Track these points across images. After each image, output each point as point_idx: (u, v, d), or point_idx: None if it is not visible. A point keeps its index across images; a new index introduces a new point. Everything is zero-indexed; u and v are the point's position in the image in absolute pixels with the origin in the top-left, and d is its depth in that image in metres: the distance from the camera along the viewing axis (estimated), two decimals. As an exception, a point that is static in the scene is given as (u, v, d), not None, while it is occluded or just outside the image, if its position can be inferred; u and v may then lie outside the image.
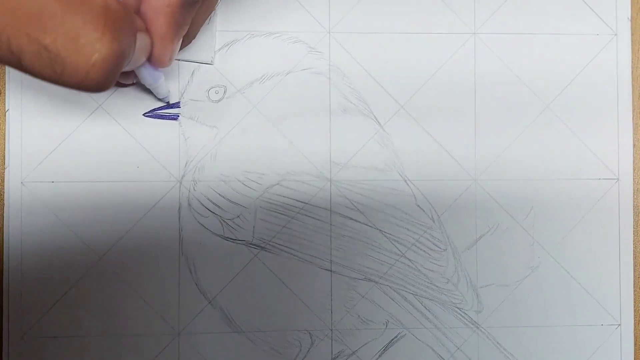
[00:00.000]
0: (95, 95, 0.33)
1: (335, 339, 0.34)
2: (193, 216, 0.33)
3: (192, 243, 0.33)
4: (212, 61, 0.33)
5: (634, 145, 0.36)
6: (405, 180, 0.34)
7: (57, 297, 0.32)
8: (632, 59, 0.35)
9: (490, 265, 0.34)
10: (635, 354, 0.35)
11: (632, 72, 0.35)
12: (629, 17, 0.35)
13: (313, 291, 0.34)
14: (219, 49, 0.34)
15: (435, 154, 0.34)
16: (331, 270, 0.34)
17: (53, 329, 0.32)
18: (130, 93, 0.33)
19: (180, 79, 0.33)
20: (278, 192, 0.33)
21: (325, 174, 0.34)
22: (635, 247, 0.35)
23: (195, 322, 0.33)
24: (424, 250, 0.34)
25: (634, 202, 0.35)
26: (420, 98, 0.34)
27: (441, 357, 0.34)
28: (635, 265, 0.35)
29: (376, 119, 0.34)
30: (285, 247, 0.33)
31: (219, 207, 0.33)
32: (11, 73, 0.33)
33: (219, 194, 0.33)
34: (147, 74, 0.29)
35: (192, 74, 0.33)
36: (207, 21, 0.32)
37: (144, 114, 0.33)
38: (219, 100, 0.33)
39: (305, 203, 0.33)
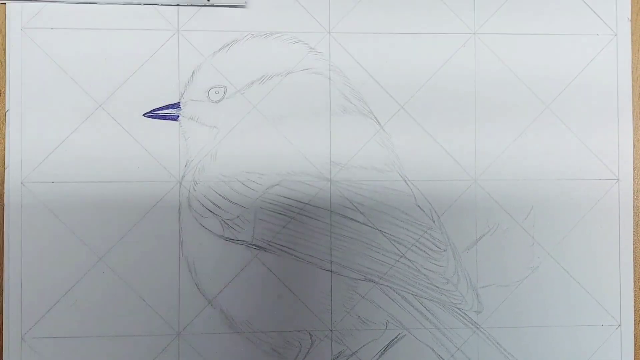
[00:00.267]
0: (95, 96, 0.33)
1: (335, 339, 0.34)
2: (193, 216, 0.33)
3: (192, 243, 0.33)
4: (245, 3, 0.33)
5: (634, 145, 0.36)
6: (405, 181, 0.34)
7: (57, 297, 0.32)
8: (632, 59, 0.35)
9: (490, 266, 0.34)
10: (635, 354, 0.35)
11: (632, 72, 0.35)
12: (629, 18, 0.35)
13: (313, 292, 0.34)
14: (219, 50, 0.34)
15: (435, 154, 0.34)
16: (331, 271, 0.34)
17: (53, 329, 0.32)
18: (131, 93, 0.33)
19: (180, 79, 0.33)
20: (278, 193, 0.33)
21: (325, 174, 0.34)
22: (635, 247, 0.35)
23: (195, 323, 0.33)
24: (424, 251, 0.34)
25: (634, 202, 0.35)
26: (420, 98, 0.34)
27: (441, 357, 0.34)
28: (635, 265, 0.35)
29: (376, 119, 0.34)
30: (285, 247, 0.33)
31: (219, 207, 0.33)
32: (11, 73, 0.33)
33: (219, 195, 0.33)
34: None
35: (192, 74, 0.33)
36: None
37: (144, 114, 0.33)
38: (219, 101, 0.33)
39: (305, 203, 0.33)
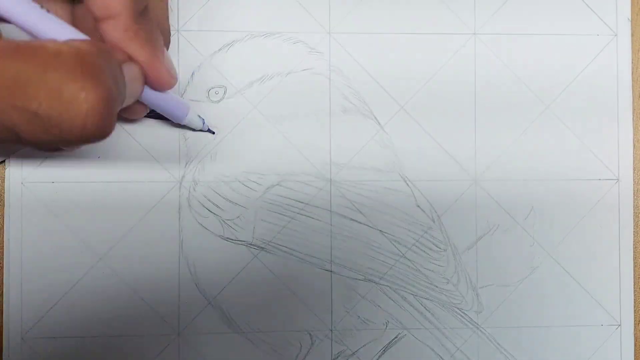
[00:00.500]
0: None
1: (335, 339, 0.34)
2: (193, 216, 0.33)
3: (192, 243, 0.33)
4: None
5: (634, 146, 0.36)
6: (405, 181, 0.34)
7: (57, 298, 0.32)
8: (632, 59, 0.35)
9: (490, 266, 0.35)
10: (635, 354, 0.35)
11: (632, 72, 0.35)
12: (629, 18, 0.35)
13: (313, 292, 0.34)
14: (219, 50, 0.34)
15: (435, 154, 0.34)
16: (331, 271, 0.34)
17: (53, 329, 0.32)
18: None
19: (180, 79, 0.33)
20: (278, 193, 0.33)
21: (325, 175, 0.34)
22: (635, 247, 0.35)
23: (195, 322, 0.33)
24: (424, 251, 0.34)
25: (634, 202, 0.35)
26: (421, 98, 0.34)
27: (441, 357, 0.34)
28: (635, 266, 0.35)
29: (376, 120, 0.34)
30: (286, 247, 0.33)
31: (219, 207, 0.33)
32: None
33: (219, 195, 0.33)
34: (156, 99, 0.28)
35: (192, 74, 0.33)
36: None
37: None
38: (219, 101, 0.33)
39: (305, 203, 0.33)
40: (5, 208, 0.32)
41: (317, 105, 0.34)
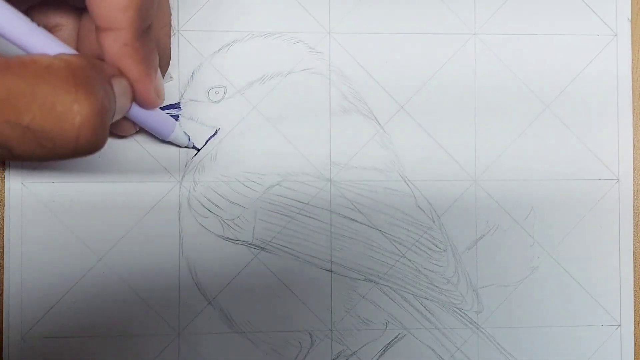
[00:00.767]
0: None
1: (335, 339, 0.34)
2: (193, 217, 0.33)
3: (192, 243, 0.33)
4: (171, 77, 0.33)
5: (634, 146, 0.36)
6: (406, 181, 0.34)
7: (57, 298, 0.32)
8: (632, 59, 0.35)
9: (490, 266, 0.35)
10: (635, 354, 0.35)
11: (632, 72, 0.35)
12: (629, 18, 0.35)
13: (313, 292, 0.34)
14: (219, 50, 0.34)
15: (435, 154, 0.34)
16: (331, 271, 0.34)
17: (53, 329, 0.32)
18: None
19: (180, 79, 0.33)
20: (278, 193, 0.33)
21: (325, 175, 0.34)
22: (635, 247, 0.35)
23: (195, 323, 0.33)
24: (424, 251, 0.34)
25: (634, 202, 0.35)
26: (421, 98, 0.34)
27: (441, 357, 0.34)
28: (635, 266, 0.35)
29: (376, 120, 0.34)
30: (286, 247, 0.33)
31: (219, 207, 0.33)
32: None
33: (219, 195, 0.33)
34: (142, 116, 0.28)
35: (192, 74, 0.33)
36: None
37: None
38: (219, 101, 0.33)
39: (305, 203, 0.33)
40: (5, 208, 0.32)
41: (317, 105, 0.34)
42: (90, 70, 0.22)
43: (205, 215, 0.33)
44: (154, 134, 0.31)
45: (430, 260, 0.34)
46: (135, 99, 0.26)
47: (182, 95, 0.33)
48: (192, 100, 0.33)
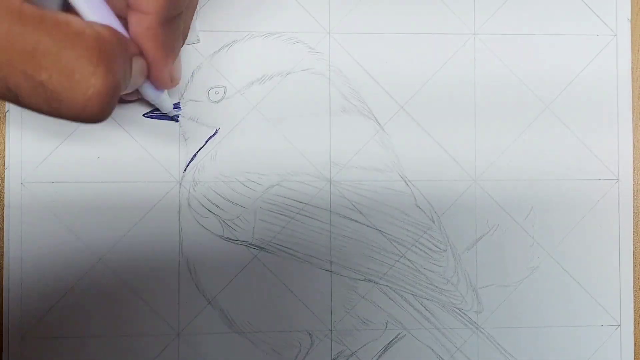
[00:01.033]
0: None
1: (335, 339, 0.34)
2: (193, 217, 0.33)
3: (192, 243, 0.33)
4: (198, 39, 0.33)
5: (634, 146, 0.36)
6: (405, 181, 0.34)
7: (57, 298, 0.32)
8: (632, 59, 0.35)
9: (490, 266, 0.34)
10: (635, 354, 0.35)
11: (632, 72, 0.35)
12: (629, 18, 0.35)
13: (313, 292, 0.34)
14: (219, 50, 0.34)
15: (435, 154, 0.34)
16: (331, 271, 0.34)
17: (53, 329, 0.32)
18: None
19: (181, 79, 0.33)
20: (278, 193, 0.33)
21: (325, 175, 0.34)
22: (635, 247, 0.35)
23: (195, 323, 0.33)
24: (424, 251, 0.34)
25: (633, 202, 0.35)
26: (420, 98, 0.34)
27: (441, 357, 0.34)
28: (635, 265, 0.35)
29: (376, 120, 0.34)
30: (285, 247, 0.33)
31: (218, 207, 0.33)
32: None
33: (219, 195, 0.33)
34: (149, 92, 0.29)
35: (192, 74, 0.33)
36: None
37: (144, 115, 0.33)
38: (219, 101, 0.33)
39: (305, 204, 0.33)
40: (5, 208, 0.32)
41: (317, 105, 0.34)
42: (116, 47, 0.23)
43: (205, 215, 0.33)
44: (148, 99, 0.30)
45: (430, 260, 0.34)
46: (149, 78, 0.27)
47: (182, 95, 0.33)
48: (192, 100, 0.33)
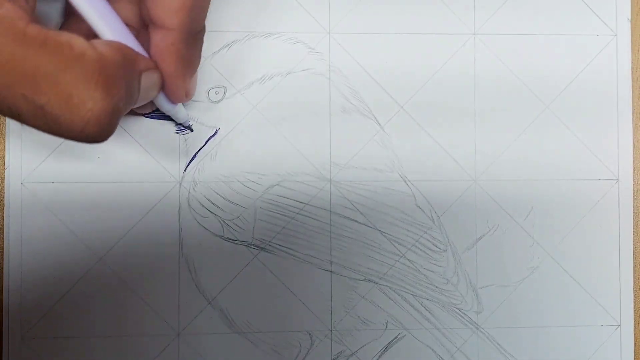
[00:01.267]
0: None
1: (335, 339, 0.34)
2: (193, 217, 0.33)
3: (192, 244, 0.33)
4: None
5: (634, 146, 0.36)
6: (405, 181, 0.34)
7: (57, 298, 0.32)
8: (632, 59, 0.35)
9: (490, 266, 0.35)
10: (635, 355, 0.35)
11: (632, 72, 0.35)
12: (629, 18, 0.35)
13: (313, 292, 0.34)
14: (219, 50, 0.34)
15: (435, 154, 0.34)
16: (331, 271, 0.34)
17: (53, 329, 0.32)
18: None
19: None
20: (278, 193, 0.33)
21: (325, 175, 0.34)
22: (635, 247, 0.35)
23: (195, 323, 0.33)
24: (424, 251, 0.34)
25: (633, 202, 0.35)
26: (420, 98, 0.34)
27: (441, 357, 0.34)
28: (635, 266, 0.35)
29: (376, 120, 0.34)
30: (285, 247, 0.33)
31: (219, 207, 0.33)
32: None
33: (219, 195, 0.33)
34: (164, 104, 0.29)
35: (192, 74, 0.33)
36: None
37: (144, 115, 0.33)
38: (219, 101, 0.33)
39: (305, 204, 0.33)
40: (5, 208, 0.32)
41: (317, 105, 0.34)
42: (119, 67, 0.23)
43: (205, 215, 0.33)
44: (163, 110, 0.30)
45: (430, 260, 0.34)
46: (164, 91, 0.27)
47: (182, 96, 0.33)
48: (192, 100, 0.33)
